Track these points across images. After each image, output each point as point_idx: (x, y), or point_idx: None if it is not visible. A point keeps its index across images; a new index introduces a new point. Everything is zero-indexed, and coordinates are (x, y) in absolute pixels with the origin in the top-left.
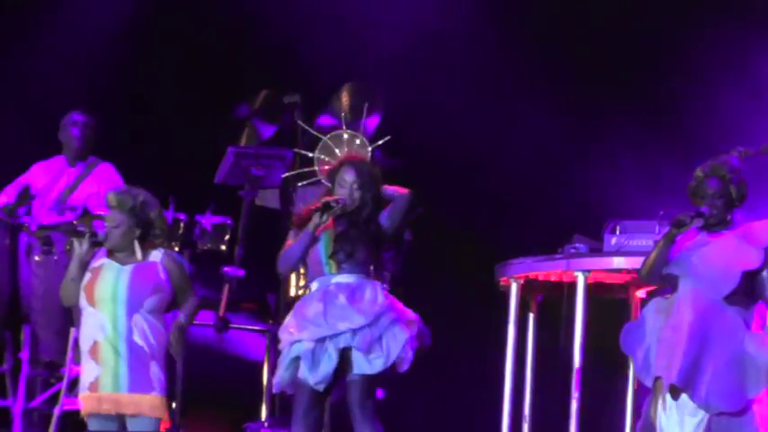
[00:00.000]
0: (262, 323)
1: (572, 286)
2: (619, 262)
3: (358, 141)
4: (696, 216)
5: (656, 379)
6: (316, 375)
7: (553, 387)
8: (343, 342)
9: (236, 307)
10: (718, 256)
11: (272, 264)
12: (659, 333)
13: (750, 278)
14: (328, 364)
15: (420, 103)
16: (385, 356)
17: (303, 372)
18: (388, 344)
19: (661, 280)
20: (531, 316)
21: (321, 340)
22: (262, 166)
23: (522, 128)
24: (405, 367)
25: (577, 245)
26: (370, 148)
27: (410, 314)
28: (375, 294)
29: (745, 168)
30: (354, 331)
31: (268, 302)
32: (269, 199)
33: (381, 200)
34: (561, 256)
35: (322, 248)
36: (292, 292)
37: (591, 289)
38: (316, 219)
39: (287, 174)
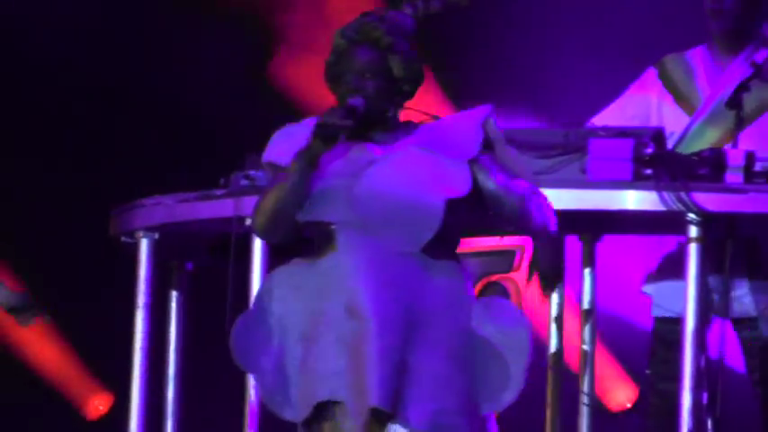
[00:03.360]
0: None
1: (245, 242)
2: None
3: None
4: (351, 114)
5: (327, 405)
6: None
7: (219, 408)
8: None
9: None
10: (400, 182)
11: None
12: (309, 325)
13: (460, 211)
14: None
15: None
16: None
17: None
18: None
19: (291, 231)
20: (175, 295)
21: None
22: None
23: None
24: None
25: (253, 173)
26: None
27: None
28: None
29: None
30: None
31: None
32: None
33: None
34: (225, 192)
35: None
36: None
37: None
38: None
39: None
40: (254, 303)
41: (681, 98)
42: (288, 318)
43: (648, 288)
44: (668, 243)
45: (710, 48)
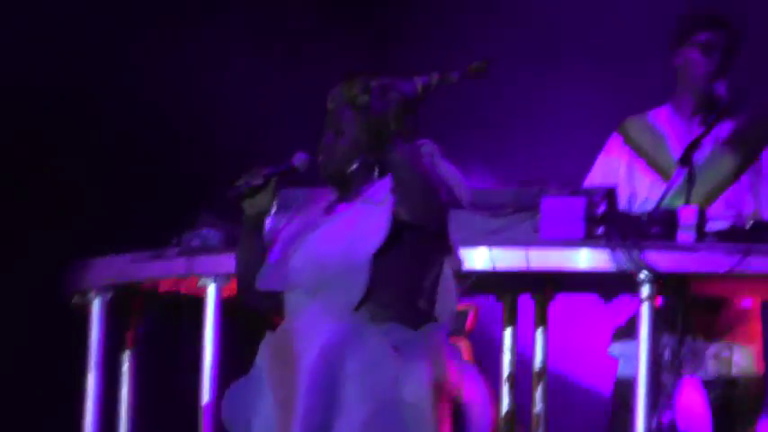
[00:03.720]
0: None
1: (196, 304)
2: None
3: None
4: (276, 175)
5: None
6: None
7: None
8: None
9: None
10: (332, 245)
11: None
12: (275, 389)
13: (394, 256)
14: None
15: None
16: None
17: None
18: None
19: (263, 297)
20: (127, 355)
21: None
22: None
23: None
24: None
25: (206, 231)
26: None
27: None
28: None
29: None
30: None
31: None
32: None
33: None
34: (178, 250)
35: None
36: None
37: (230, 308)
38: None
39: None
40: (252, 371)
41: (654, 164)
42: (267, 382)
43: (615, 349)
44: (634, 302)
45: (678, 109)
